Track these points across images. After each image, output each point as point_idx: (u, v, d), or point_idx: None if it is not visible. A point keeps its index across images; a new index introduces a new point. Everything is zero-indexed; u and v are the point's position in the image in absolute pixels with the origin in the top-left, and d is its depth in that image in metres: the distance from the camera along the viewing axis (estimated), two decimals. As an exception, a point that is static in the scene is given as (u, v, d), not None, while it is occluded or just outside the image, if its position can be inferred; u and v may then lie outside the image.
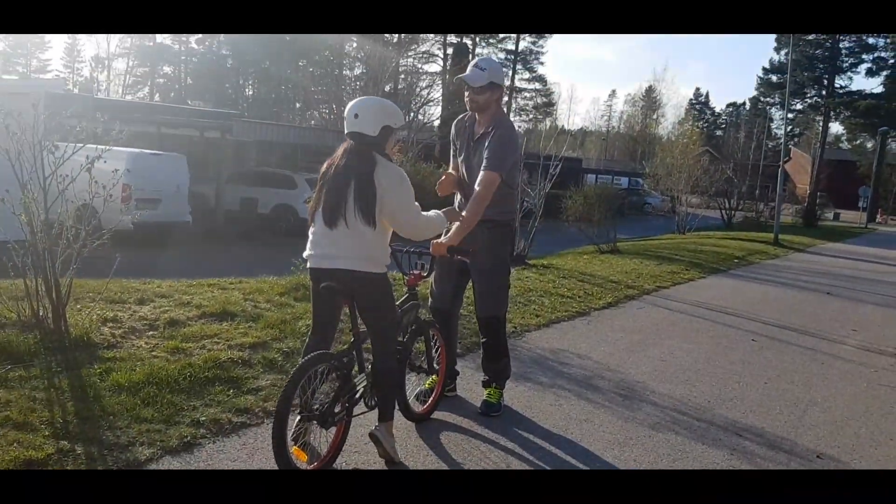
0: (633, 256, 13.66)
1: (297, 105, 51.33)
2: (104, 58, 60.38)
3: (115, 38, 58.13)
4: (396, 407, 4.14)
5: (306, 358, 3.35)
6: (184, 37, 58.51)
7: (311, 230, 3.56)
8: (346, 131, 3.54)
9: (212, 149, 19.11)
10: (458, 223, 4.09)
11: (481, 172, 4.22)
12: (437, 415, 4.38)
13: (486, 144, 4.29)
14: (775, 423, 4.81)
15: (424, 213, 3.67)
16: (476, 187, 4.21)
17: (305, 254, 3.57)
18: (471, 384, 4.94)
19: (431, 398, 4.39)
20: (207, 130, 18.57)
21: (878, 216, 51.91)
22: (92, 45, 61.25)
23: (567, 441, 4.20)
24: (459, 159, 4.55)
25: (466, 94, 4.37)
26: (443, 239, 4.07)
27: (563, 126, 64.37)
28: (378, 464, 3.64)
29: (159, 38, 57.93)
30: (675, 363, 6.15)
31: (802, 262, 16.87)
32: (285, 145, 23.58)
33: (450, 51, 49.43)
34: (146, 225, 13.12)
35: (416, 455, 3.82)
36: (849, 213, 48.98)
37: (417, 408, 4.29)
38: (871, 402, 5.48)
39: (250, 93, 60.62)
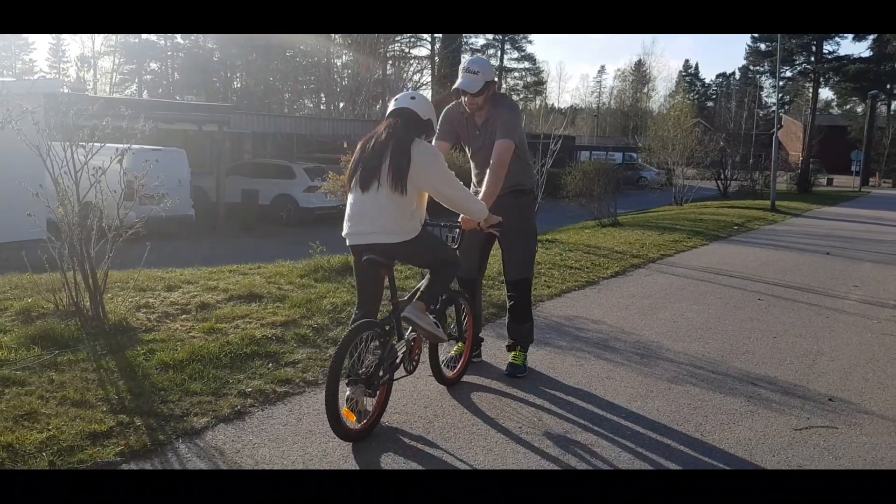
0: (634, 228, 13.88)
1: (287, 95, 51.25)
2: (90, 57, 60.02)
3: (100, 37, 57.80)
4: (430, 372, 4.40)
5: (353, 326, 3.57)
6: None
7: (348, 200, 3.81)
8: (394, 108, 3.84)
9: (209, 142, 19.23)
10: (483, 191, 4.31)
11: (496, 142, 4.43)
12: (466, 378, 4.60)
13: (497, 123, 4.49)
14: (787, 373, 5.05)
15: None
16: (493, 158, 4.41)
17: (344, 232, 3.79)
18: (494, 350, 5.16)
19: (460, 363, 4.61)
20: (205, 124, 18.67)
21: (875, 179, 52.24)
22: (77, 44, 60.68)
23: (592, 396, 4.43)
24: (468, 151, 4.79)
25: (464, 99, 4.54)
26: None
27: (553, 105, 64.46)
28: (419, 427, 3.87)
29: (144, 34, 57.61)
30: (686, 324, 6.38)
31: (800, 226, 17.13)
32: (281, 136, 23.67)
33: (437, 34, 49.25)
34: (151, 220, 13.23)
35: (451, 413, 4.04)
36: (842, 177, 49.30)
37: (448, 373, 4.51)
38: (877, 350, 5.72)
39: (238, 85, 60.40)
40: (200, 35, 55.74)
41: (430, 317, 3.91)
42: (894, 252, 12.26)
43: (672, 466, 3.50)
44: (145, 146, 14.78)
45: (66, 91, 18.86)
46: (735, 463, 3.57)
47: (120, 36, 55.55)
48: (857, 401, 4.53)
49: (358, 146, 3.85)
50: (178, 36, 57.04)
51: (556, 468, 3.44)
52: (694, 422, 4.07)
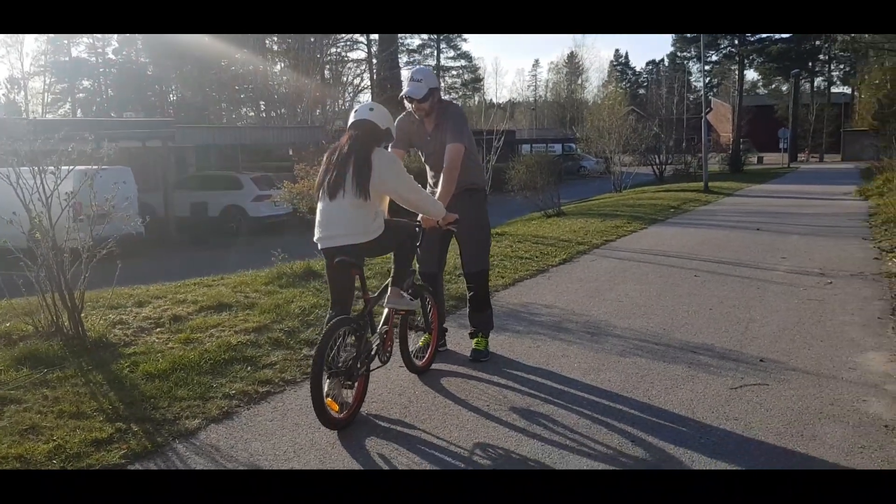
0: (577, 217, 14.45)
1: (224, 105, 50.71)
2: (19, 78, 58.28)
3: (29, 58, 56.31)
4: (401, 363, 4.77)
5: (331, 323, 3.91)
6: (100, 48, 57.14)
7: (317, 208, 4.17)
8: (354, 120, 4.21)
9: (152, 158, 19.16)
10: (438, 192, 4.71)
11: (447, 146, 4.84)
12: (434, 366, 4.98)
13: (447, 128, 4.90)
14: (723, 340, 5.57)
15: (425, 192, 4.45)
16: (445, 161, 4.81)
17: (315, 237, 4.13)
18: (458, 339, 5.55)
19: (428, 352, 4.98)
20: (149, 140, 18.62)
21: (804, 154, 54.45)
22: (6, 66, 58.42)
23: (549, 373, 4.86)
24: (422, 156, 5.20)
25: (411, 106, 4.94)
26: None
27: (491, 100, 65.28)
28: (397, 412, 4.23)
29: (75, 52, 56.44)
30: (630, 302, 6.88)
31: (732, 205, 18.00)
32: (225, 147, 23.62)
33: (374, 37, 49.35)
34: (101, 239, 13.24)
35: (424, 398, 4.41)
36: (772, 155, 51.26)
37: (418, 362, 4.88)
38: (803, 314, 6.30)
39: (174, 98, 59.48)
40: (133, 49, 54.85)
41: (407, 296, 4.41)
42: (818, 224, 13.10)
43: (625, 428, 3.93)
44: (91, 166, 14.76)
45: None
46: (678, 421, 4.03)
47: (49, 55, 54.25)
48: (785, 360, 5.06)
49: (324, 158, 4.20)
50: (110, 52, 56.07)
51: (523, 438, 3.84)
52: (642, 388, 4.53)
